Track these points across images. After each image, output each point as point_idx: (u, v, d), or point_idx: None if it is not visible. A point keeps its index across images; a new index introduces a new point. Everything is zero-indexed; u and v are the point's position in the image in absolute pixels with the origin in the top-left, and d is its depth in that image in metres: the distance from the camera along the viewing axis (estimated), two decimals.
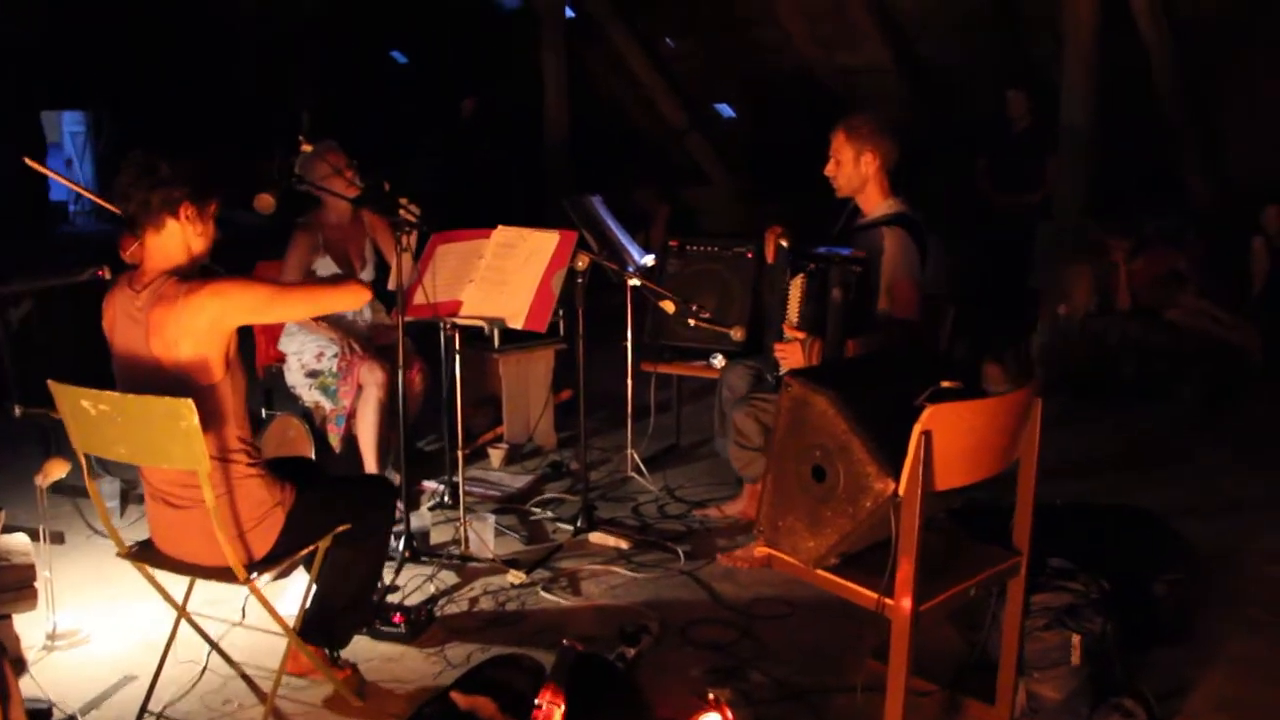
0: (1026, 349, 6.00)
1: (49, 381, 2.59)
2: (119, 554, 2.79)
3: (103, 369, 2.78)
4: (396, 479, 4.02)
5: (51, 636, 3.28)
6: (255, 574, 2.67)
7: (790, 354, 3.58)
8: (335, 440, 4.31)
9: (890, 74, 8.41)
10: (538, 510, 4.38)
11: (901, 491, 2.34)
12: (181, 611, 2.89)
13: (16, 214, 11.02)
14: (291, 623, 2.90)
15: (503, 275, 3.86)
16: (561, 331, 5.11)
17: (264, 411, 4.21)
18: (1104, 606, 2.85)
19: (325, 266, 4.35)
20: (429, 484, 4.54)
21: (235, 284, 2.70)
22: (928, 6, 7.82)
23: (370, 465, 4.25)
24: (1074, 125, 6.48)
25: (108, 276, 3.40)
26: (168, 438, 2.47)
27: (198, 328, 2.61)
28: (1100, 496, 4.11)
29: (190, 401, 2.44)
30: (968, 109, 8.21)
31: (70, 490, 4.06)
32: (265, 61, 11.78)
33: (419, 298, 3.89)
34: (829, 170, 3.86)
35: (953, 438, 2.37)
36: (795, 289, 3.54)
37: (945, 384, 2.49)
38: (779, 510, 2.61)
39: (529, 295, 3.77)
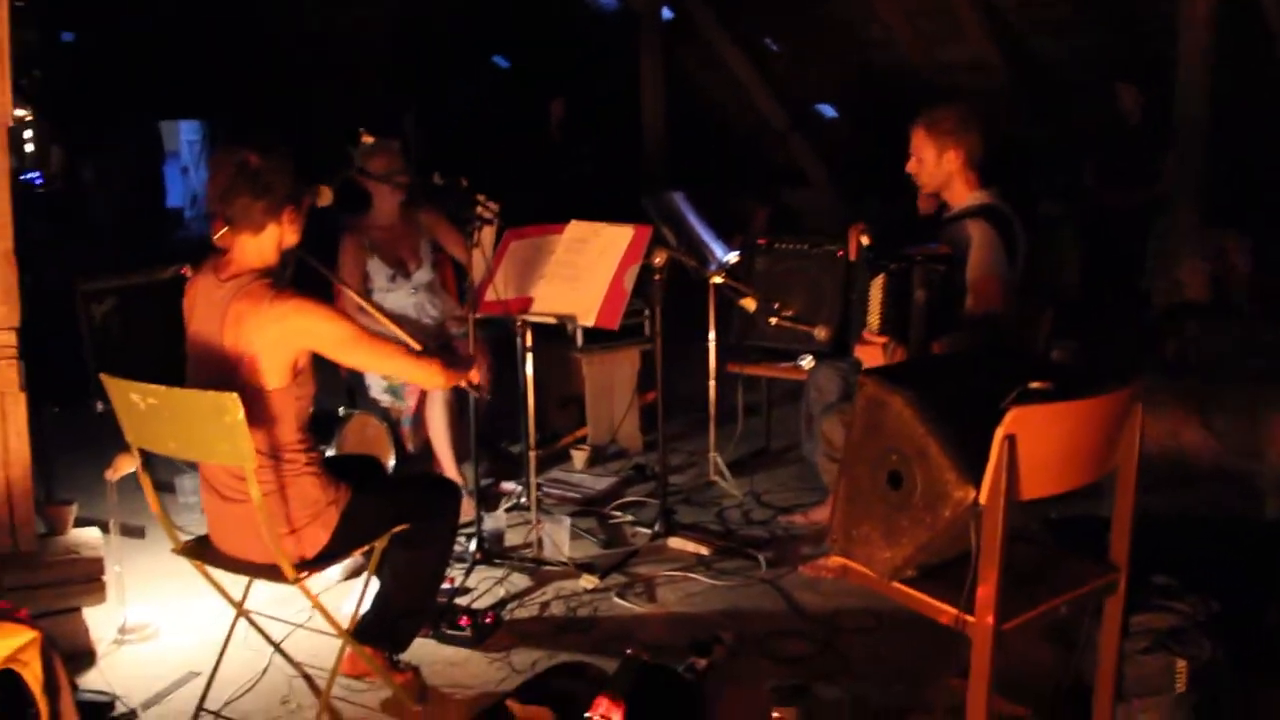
0: None
1: (101, 375, 2.57)
2: (173, 550, 2.76)
3: (183, 366, 2.75)
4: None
5: (122, 630, 3.30)
6: (306, 573, 2.61)
7: (871, 358, 3.36)
8: (409, 441, 4.26)
9: (996, 70, 8.10)
10: (617, 514, 4.28)
11: (983, 500, 2.17)
12: (240, 609, 2.84)
13: (135, 219, 11.37)
14: (348, 623, 2.84)
15: (575, 271, 3.76)
16: (647, 331, 5.00)
17: (341, 410, 4.19)
18: (1214, 630, 2.62)
19: (376, 268, 4.30)
20: (508, 485, 4.46)
21: (323, 311, 2.63)
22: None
23: (448, 467, 4.17)
24: (1190, 118, 6.11)
25: (190, 275, 3.40)
26: (214, 433, 2.42)
27: (272, 335, 2.57)
28: (1212, 509, 3.83)
29: (235, 396, 2.38)
30: (1077, 105, 7.86)
31: (157, 485, 4.08)
32: (370, 69, 11.97)
33: (490, 294, 3.82)
34: (911, 167, 3.65)
35: (1040, 443, 2.18)
36: (876, 290, 3.35)
37: (1035, 384, 2.31)
38: (853, 518, 2.45)
39: (601, 292, 3.67)
